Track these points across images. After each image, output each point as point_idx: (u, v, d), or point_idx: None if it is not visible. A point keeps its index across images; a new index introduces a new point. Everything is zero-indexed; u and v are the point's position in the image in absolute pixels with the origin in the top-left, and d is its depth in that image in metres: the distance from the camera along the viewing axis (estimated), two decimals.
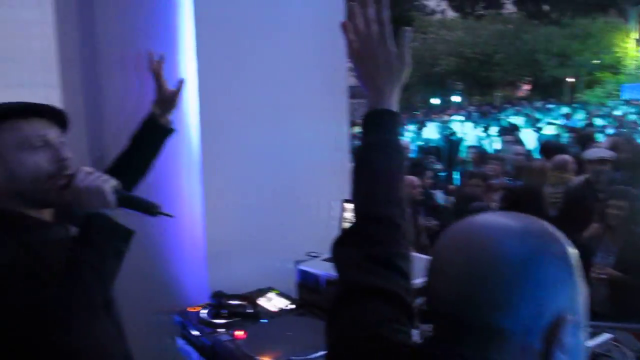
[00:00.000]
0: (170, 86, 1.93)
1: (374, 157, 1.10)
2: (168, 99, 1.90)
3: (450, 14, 34.57)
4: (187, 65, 2.17)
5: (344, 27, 1.14)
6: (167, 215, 1.49)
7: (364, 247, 1.00)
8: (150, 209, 1.45)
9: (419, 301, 0.96)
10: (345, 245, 1.05)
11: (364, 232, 1.04)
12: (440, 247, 0.86)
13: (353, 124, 4.14)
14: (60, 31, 3.48)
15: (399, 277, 0.97)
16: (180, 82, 1.90)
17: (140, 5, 2.52)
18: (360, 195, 1.09)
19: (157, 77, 1.91)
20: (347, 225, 2.06)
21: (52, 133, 1.41)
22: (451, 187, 6.55)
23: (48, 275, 1.26)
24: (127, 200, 1.43)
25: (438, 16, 33.84)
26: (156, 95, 1.91)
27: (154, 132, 1.90)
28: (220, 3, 2.17)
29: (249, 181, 2.23)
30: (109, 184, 1.37)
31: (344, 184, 2.50)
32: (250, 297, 1.99)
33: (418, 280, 1.01)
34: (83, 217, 1.34)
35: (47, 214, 1.45)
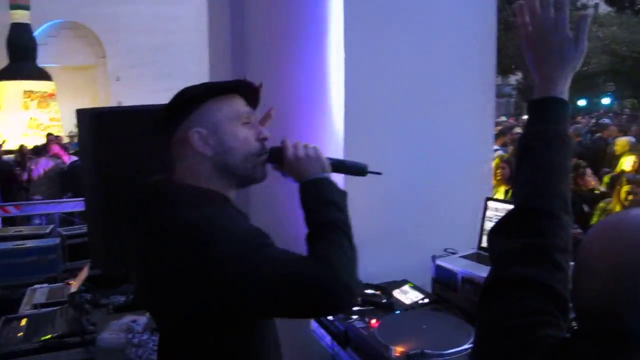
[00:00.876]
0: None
1: (538, 146, 1.05)
2: None
3: (604, 8, 32.26)
4: (334, 58, 2.22)
5: (518, 8, 1.10)
6: (377, 173, 1.52)
7: (521, 237, 0.97)
8: (360, 169, 1.50)
9: None
10: (502, 234, 1.03)
11: (522, 222, 1.00)
12: (588, 239, 0.85)
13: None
14: (211, 26, 3.71)
15: (555, 269, 0.93)
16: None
17: (289, 0, 2.61)
18: (521, 183, 1.05)
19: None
20: (496, 218, 2.02)
21: (253, 112, 1.46)
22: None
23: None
24: (338, 164, 1.49)
25: (590, 11, 31.71)
26: None
27: None
28: None
29: (391, 175, 2.21)
30: (320, 150, 1.42)
31: (486, 182, 2.45)
32: (386, 288, 2.01)
33: None
34: (306, 183, 1.38)
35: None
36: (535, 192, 1.01)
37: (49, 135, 11.47)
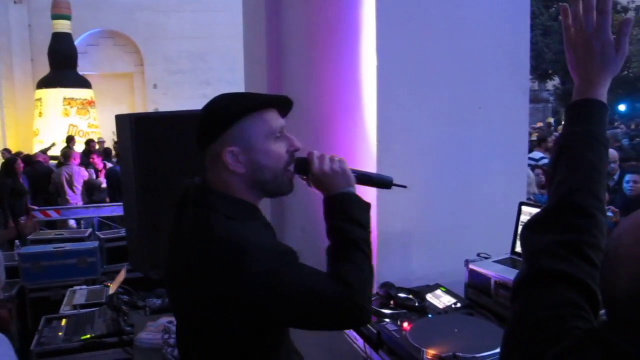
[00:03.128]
0: None
1: (577, 147, 1.07)
2: None
3: None
4: (367, 64, 2.24)
5: (563, 11, 1.13)
6: (402, 186, 1.55)
7: (555, 233, 0.99)
8: (386, 182, 1.53)
9: None
10: (536, 230, 1.04)
11: (557, 218, 1.02)
12: (619, 232, 0.85)
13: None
14: (247, 33, 3.77)
15: (587, 265, 0.95)
16: None
17: (324, 6, 2.63)
18: (557, 181, 1.07)
19: None
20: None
21: (284, 124, 1.45)
22: None
23: None
24: (364, 178, 1.53)
25: (631, 14, 31.00)
26: None
27: None
28: (402, 2, 2.21)
29: (424, 178, 2.25)
30: (346, 164, 1.46)
31: (520, 187, 2.44)
32: (419, 292, 2.02)
33: None
34: (331, 197, 1.43)
35: None
36: (572, 190, 1.03)
37: (89, 141, 11.72)
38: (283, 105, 1.47)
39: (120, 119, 2.34)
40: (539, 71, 26.15)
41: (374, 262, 2.18)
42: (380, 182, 1.55)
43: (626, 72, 26.14)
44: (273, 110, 1.43)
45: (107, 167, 9.58)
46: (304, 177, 1.48)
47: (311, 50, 2.77)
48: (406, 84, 2.22)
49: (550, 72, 28.68)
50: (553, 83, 31.33)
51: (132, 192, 2.29)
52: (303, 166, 1.46)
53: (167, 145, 2.07)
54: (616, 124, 17.41)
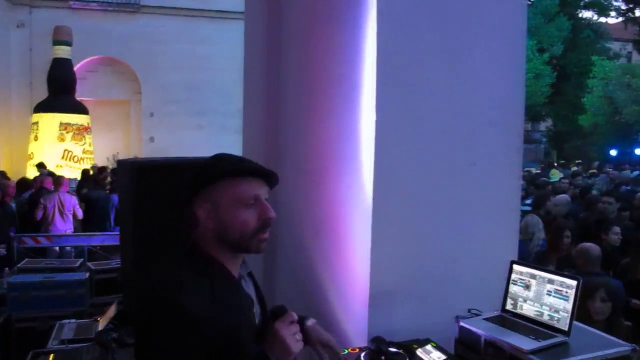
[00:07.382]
0: None
1: None
2: None
3: (637, 58, 32.11)
4: (365, 117, 2.28)
5: None
6: None
7: None
8: None
9: None
10: None
11: None
12: None
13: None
14: (246, 65, 3.80)
15: None
16: None
17: (323, 57, 2.69)
18: None
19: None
20: (521, 282, 2.03)
21: (263, 192, 1.61)
22: None
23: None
24: None
25: (622, 60, 31.57)
26: None
27: None
28: (400, 58, 2.27)
29: (418, 232, 2.28)
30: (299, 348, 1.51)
31: (512, 244, 2.47)
32: (409, 347, 2.03)
33: None
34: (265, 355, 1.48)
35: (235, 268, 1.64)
36: None
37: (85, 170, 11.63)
38: (268, 177, 1.63)
39: (122, 165, 2.38)
40: (532, 113, 26.51)
41: (366, 314, 2.23)
42: None
43: (618, 117, 26.49)
44: (252, 178, 1.59)
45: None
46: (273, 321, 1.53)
47: (311, 98, 2.82)
48: (403, 138, 2.26)
49: (543, 113, 29.09)
50: (545, 124, 31.76)
51: (129, 239, 2.31)
52: (279, 312, 1.55)
53: (168, 193, 2.10)
54: (609, 169, 17.59)
